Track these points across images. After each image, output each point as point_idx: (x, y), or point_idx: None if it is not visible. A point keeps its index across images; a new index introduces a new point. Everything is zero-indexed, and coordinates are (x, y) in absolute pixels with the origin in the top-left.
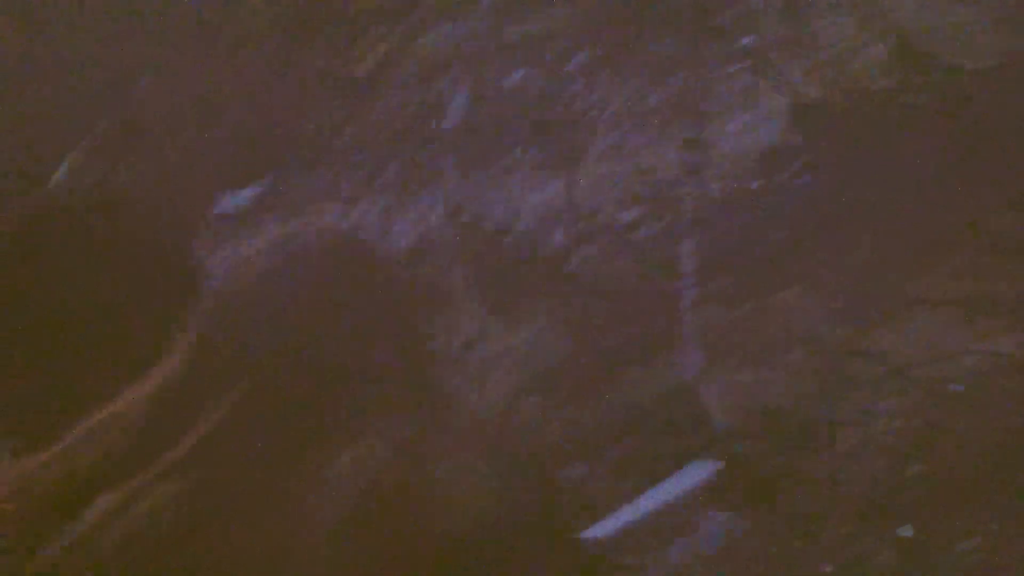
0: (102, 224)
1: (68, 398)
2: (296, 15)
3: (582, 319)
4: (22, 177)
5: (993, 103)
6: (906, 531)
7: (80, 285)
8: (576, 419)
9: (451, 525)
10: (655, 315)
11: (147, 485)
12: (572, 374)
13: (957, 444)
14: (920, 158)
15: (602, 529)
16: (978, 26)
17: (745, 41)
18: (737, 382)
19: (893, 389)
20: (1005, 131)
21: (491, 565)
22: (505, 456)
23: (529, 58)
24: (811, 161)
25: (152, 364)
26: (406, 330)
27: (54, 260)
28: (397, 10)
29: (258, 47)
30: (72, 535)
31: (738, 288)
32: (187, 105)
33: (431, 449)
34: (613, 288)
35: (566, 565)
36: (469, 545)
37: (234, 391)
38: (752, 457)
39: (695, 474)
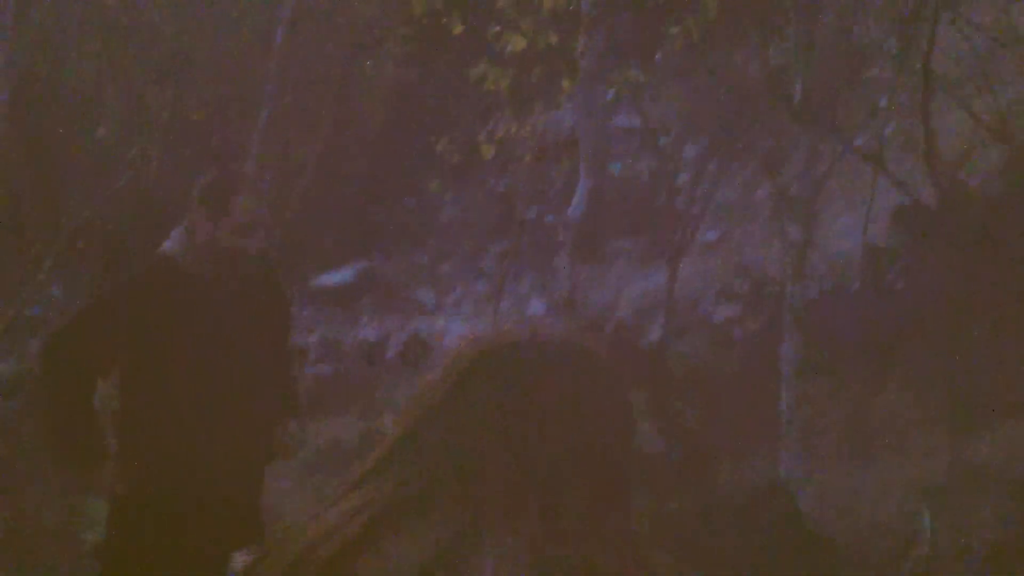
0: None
1: None
2: (409, 94)
3: (678, 413)
4: (139, 239)
5: None
6: None
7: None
8: (668, 513)
9: None
10: (753, 413)
11: None
12: (665, 468)
13: None
14: (1020, 264)
15: None
16: None
17: (861, 139)
18: (833, 485)
19: (988, 499)
20: None
21: None
22: None
23: (640, 148)
24: (912, 263)
25: None
26: None
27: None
28: (522, 97)
29: (367, 124)
30: None
31: (836, 389)
32: (293, 177)
33: None
34: (710, 384)
35: None
36: None
37: None
38: (845, 560)
39: None
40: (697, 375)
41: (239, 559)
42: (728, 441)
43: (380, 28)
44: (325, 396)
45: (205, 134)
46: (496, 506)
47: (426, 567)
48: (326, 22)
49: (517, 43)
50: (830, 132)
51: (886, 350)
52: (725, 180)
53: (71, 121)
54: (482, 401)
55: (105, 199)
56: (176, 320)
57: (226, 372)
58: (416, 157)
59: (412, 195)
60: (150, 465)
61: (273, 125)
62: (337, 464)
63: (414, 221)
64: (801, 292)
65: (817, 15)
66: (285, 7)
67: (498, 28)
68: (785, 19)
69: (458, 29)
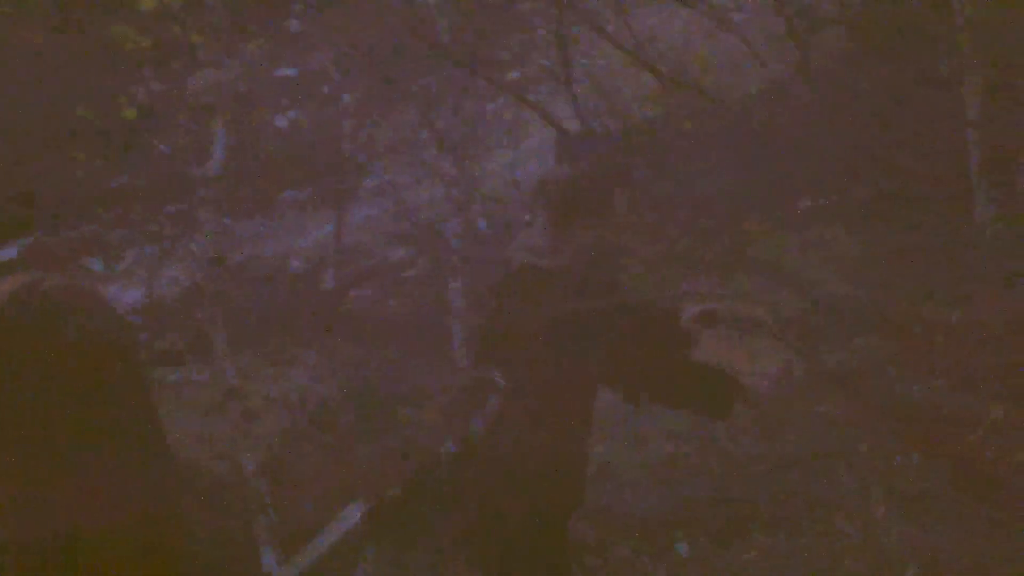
0: None
1: None
2: (56, 61)
3: (355, 360)
4: None
5: (760, 125)
6: None
7: None
8: (351, 460)
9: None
10: (428, 354)
11: None
12: (346, 416)
13: None
14: (689, 180)
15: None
16: (743, 55)
17: (514, 75)
18: None
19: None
20: (773, 153)
21: None
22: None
23: (298, 99)
24: None
25: None
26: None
27: None
28: (163, 55)
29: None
30: None
31: None
32: None
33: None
34: (387, 328)
35: None
36: None
37: None
38: None
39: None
40: (375, 317)
41: None
42: (406, 385)
43: None
44: None
45: None
46: None
47: None
48: None
49: (147, 1)
50: (482, 70)
51: None
52: (387, 124)
53: None
54: None
55: None
56: None
57: None
58: (60, 125)
59: (75, 167)
60: None
61: None
62: None
63: (80, 192)
64: (469, 229)
65: None
66: None
67: None
68: None
69: None
